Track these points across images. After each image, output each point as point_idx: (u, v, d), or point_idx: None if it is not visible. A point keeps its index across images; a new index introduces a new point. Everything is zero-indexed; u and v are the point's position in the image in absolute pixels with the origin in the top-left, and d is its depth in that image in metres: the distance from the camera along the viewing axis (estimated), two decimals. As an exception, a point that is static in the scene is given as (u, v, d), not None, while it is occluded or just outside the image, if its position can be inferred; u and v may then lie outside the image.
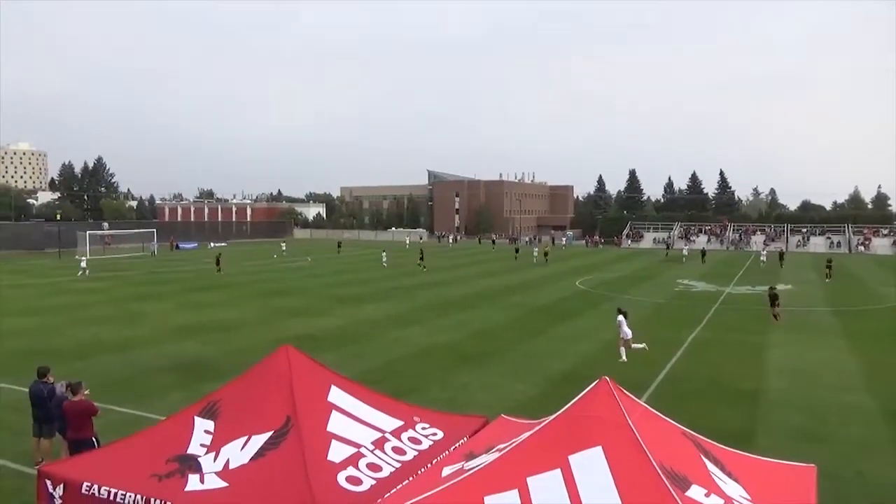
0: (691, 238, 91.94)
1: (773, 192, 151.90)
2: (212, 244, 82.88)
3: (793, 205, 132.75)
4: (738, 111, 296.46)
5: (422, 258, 52.68)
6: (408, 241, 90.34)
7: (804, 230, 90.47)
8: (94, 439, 9.85)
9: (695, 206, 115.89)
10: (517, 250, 68.29)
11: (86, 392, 10.27)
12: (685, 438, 6.63)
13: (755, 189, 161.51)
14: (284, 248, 69.36)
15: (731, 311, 30.21)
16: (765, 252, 61.53)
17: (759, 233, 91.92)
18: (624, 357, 19.19)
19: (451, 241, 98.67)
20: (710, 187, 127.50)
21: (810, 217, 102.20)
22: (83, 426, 9.92)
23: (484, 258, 63.91)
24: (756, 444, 11.74)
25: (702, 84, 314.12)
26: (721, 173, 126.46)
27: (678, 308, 31.00)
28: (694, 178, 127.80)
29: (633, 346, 19.55)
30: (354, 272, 47.68)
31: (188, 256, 65.36)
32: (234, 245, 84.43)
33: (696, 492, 5.57)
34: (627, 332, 19.38)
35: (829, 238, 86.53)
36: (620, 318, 19.70)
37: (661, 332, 24.18)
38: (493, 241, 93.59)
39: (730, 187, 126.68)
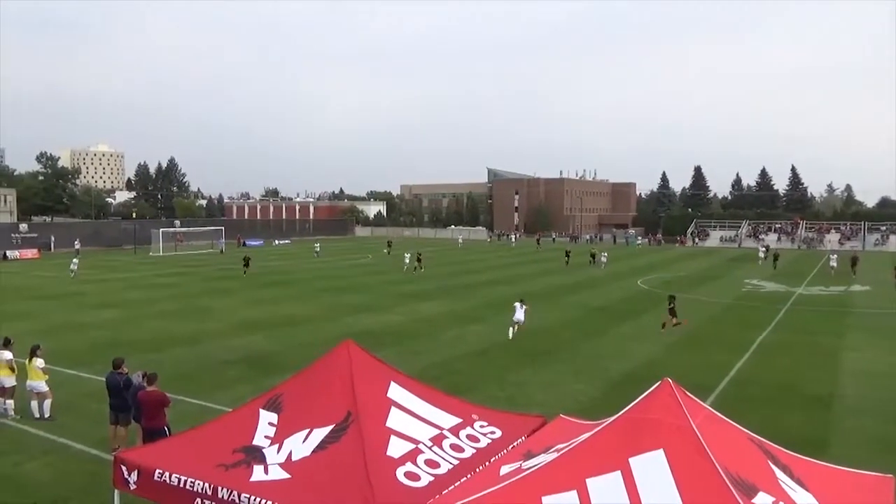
0: (760, 237, 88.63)
1: (848, 188, 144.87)
2: (276, 241, 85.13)
3: (870, 201, 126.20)
4: (811, 104, 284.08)
5: (419, 261, 46.89)
6: (460, 241, 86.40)
7: (883, 228, 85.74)
8: (166, 428, 10.27)
9: (764, 204, 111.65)
10: (568, 254, 54.26)
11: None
12: (752, 444, 6.41)
13: (829, 185, 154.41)
14: (318, 249, 64.06)
15: (803, 312, 28.99)
16: (835, 257, 49.00)
17: (833, 231, 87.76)
18: (513, 333, 22.39)
19: (513, 239, 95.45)
20: (780, 184, 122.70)
21: (890, 214, 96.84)
22: (157, 415, 10.36)
23: (538, 258, 63.19)
24: (829, 452, 11.24)
25: (772, 77, 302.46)
26: (793, 169, 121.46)
27: (746, 309, 29.97)
28: (763, 174, 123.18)
29: (513, 329, 22.52)
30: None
31: (254, 253, 67.34)
32: (296, 242, 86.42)
33: (763, 499, 5.38)
34: (521, 317, 22.74)
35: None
36: (517, 304, 23.16)
37: (728, 334, 23.45)
38: (538, 241, 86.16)
39: (802, 183, 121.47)
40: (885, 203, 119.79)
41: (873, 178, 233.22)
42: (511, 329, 22.60)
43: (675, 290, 36.04)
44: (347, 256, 62.19)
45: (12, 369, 13.82)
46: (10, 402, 13.82)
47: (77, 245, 62.80)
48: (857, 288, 38.12)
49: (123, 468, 7.02)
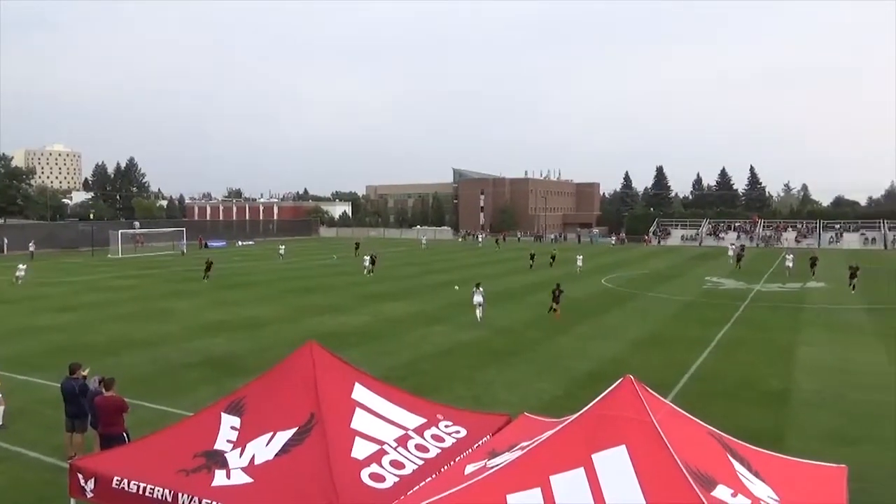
0: (720, 235, 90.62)
1: (805, 187, 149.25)
2: (239, 242, 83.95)
3: (826, 200, 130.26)
4: (768, 106, 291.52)
5: (373, 262, 44.97)
6: (424, 241, 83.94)
7: (837, 226, 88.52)
8: (124, 434, 10.05)
9: (724, 203, 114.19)
10: (532, 256, 51.17)
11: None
12: (711, 438, 6.54)
13: (786, 185, 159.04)
14: (283, 250, 60.66)
15: (762, 309, 29.73)
16: (791, 257, 47.07)
17: (790, 229, 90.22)
18: (480, 317, 25.25)
19: (479, 239, 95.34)
20: (739, 183, 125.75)
21: (844, 213, 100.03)
22: (114, 421, 10.13)
23: (502, 258, 63.53)
24: (786, 445, 11.53)
25: (732, 78, 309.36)
26: (751, 169, 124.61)
27: (706, 306, 30.60)
28: (723, 173, 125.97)
29: (480, 311, 25.35)
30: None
31: (216, 254, 66.26)
32: (260, 243, 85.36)
33: (722, 492, 5.49)
34: (480, 299, 25.47)
35: (863, 234, 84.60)
36: (474, 289, 26.21)
37: (689, 331, 23.91)
38: (497, 241, 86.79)
39: (760, 183, 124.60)
40: (839, 202, 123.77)
41: (828, 178, 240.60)
42: (477, 311, 25.53)
43: (638, 289, 36.68)
44: (312, 257, 61.63)
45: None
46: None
47: (31, 247, 60.85)
48: (812, 284, 39.24)
49: (80, 476, 6.83)
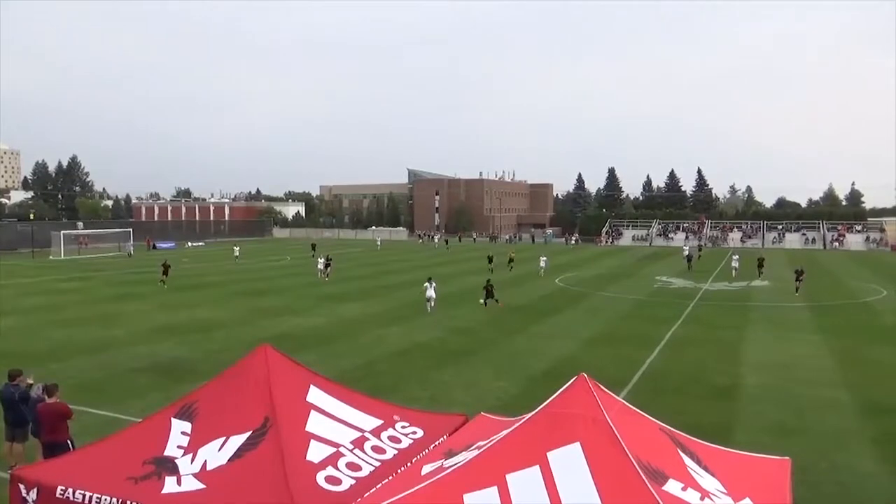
0: (669, 236, 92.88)
1: (749, 189, 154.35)
2: (189, 244, 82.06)
3: (769, 202, 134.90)
4: (714, 109, 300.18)
5: (328, 265, 42.51)
6: (379, 242, 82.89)
7: (780, 227, 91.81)
8: (69, 442, 9.71)
9: (673, 204, 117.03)
10: (490, 259, 48.85)
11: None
12: (662, 434, 6.70)
13: (732, 186, 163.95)
14: (238, 252, 58.23)
15: (709, 307, 30.58)
16: (737, 258, 47.21)
17: (735, 230, 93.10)
18: (431, 309, 27.70)
19: (435, 240, 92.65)
20: (687, 185, 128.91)
21: (786, 214, 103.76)
22: (58, 429, 9.78)
23: (458, 258, 63.74)
24: (733, 438, 11.91)
25: (679, 82, 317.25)
26: (699, 171, 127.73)
27: (657, 305, 31.30)
28: (672, 175, 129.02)
29: (430, 305, 27.93)
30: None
31: (165, 256, 64.65)
32: (211, 244, 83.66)
33: (672, 486, 5.64)
34: (432, 293, 28.15)
35: (804, 234, 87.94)
36: (426, 284, 28.85)
37: (640, 329, 24.42)
38: (447, 241, 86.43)
39: (707, 185, 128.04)
40: (781, 203, 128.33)
41: (771, 181, 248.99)
42: (428, 305, 27.98)
43: (591, 288, 37.30)
44: (265, 258, 60.68)
45: None
46: None
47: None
48: (757, 283, 40.54)
49: (21, 486, 6.56)
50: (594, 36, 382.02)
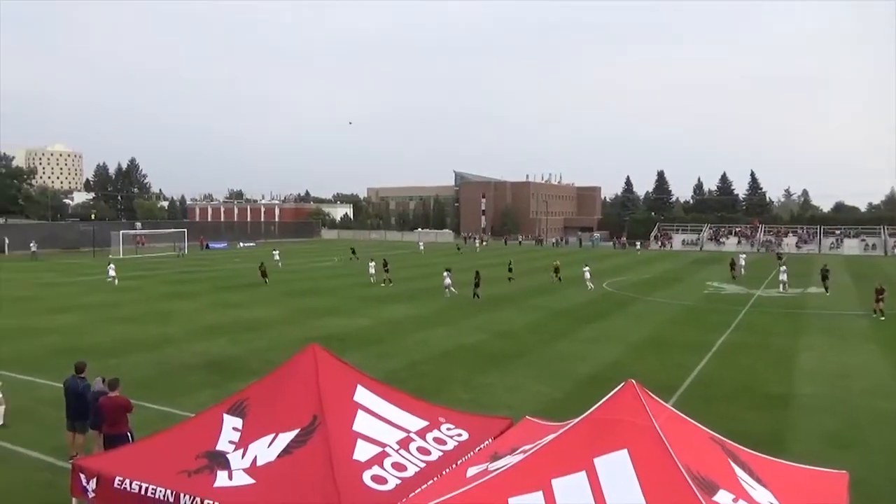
0: (721, 240, 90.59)
1: (805, 193, 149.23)
2: (241, 244, 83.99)
3: (826, 206, 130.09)
4: (770, 111, 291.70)
5: (386, 269, 40.78)
6: (422, 246, 79.40)
7: (838, 232, 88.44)
8: (129, 434, 10.06)
9: (725, 208, 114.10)
10: (510, 268, 44.03)
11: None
12: (713, 443, 6.55)
13: (787, 190, 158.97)
14: (277, 256, 54.74)
15: (762, 314, 29.72)
16: (784, 270, 39.93)
17: (790, 234, 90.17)
18: (450, 294, 32.32)
19: (477, 243, 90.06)
20: (740, 188, 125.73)
21: (844, 218, 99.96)
22: (119, 421, 10.13)
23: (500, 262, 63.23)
24: (787, 449, 11.54)
25: (733, 83, 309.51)
26: (752, 174, 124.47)
27: (707, 311, 30.58)
28: (724, 178, 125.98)
29: (452, 290, 32.30)
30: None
31: (218, 256, 66.30)
32: (261, 245, 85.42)
33: (723, 496, 5.51)
34: (449, 282, 32.38)
35: (863, 240, 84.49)
36: (444, 273, 33.33)
37: (690, 335, 23.90)
38: (464, 241, 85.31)
39: (761, 188, 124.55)
40: (839, 208, 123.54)
41: (829, 184, 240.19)
42: (446, 291, 32.48)
43: (640, 293, 36.63)
44: (313, 259, 61.61)
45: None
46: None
47: (33, 247, 61.05)
48: (812, 290, 39.18)
49: (82, 476, 6.85)
50: (644, 37, 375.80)
